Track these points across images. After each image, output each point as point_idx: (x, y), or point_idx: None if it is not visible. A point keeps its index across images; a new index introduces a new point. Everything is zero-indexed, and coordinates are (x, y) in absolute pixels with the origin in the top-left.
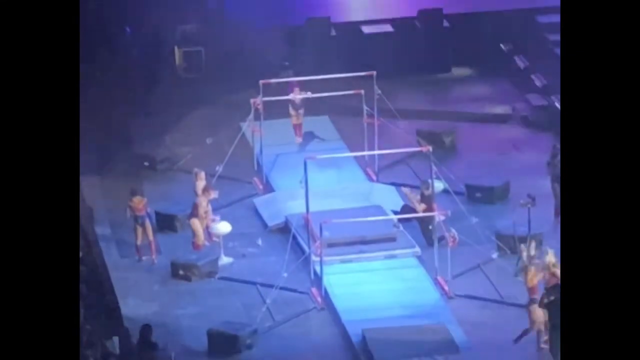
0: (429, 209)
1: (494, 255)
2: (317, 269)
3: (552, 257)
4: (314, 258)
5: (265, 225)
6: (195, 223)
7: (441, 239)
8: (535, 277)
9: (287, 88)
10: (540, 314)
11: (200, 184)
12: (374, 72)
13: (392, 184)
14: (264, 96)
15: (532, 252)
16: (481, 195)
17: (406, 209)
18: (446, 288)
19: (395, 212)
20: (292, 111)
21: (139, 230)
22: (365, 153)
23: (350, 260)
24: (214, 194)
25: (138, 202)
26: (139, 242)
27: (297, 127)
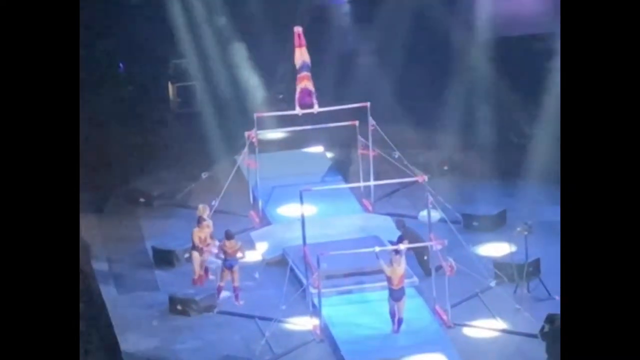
0: (414, 240)
1: (492, 284)
2: (316, 301)
3: None
4: (312, 290)
5: (262, 258)
6: (195, 256)
7: (439, 268)
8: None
9: (281, 120)
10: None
11: (204, 216)
12: (368, 103)
13: (389, 214)
14: (258, 129)
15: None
16: (478, 224)
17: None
18: (445, 317)
19: (392, 243)
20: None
21: (226, 273)
22: (361, 184)
23: (348, 292)
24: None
25: (231, 246)
26: (222, 284)
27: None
